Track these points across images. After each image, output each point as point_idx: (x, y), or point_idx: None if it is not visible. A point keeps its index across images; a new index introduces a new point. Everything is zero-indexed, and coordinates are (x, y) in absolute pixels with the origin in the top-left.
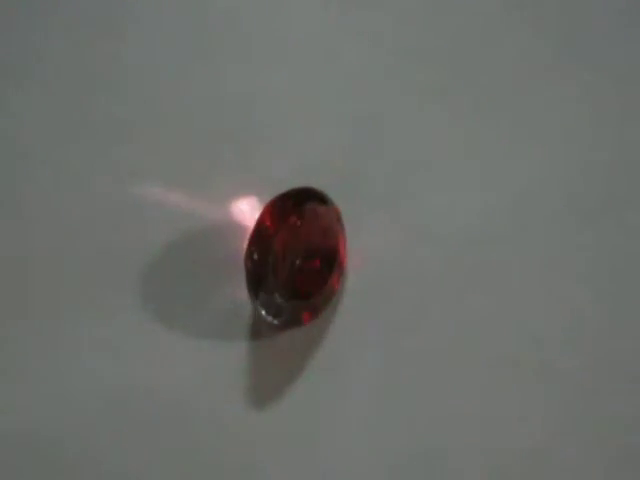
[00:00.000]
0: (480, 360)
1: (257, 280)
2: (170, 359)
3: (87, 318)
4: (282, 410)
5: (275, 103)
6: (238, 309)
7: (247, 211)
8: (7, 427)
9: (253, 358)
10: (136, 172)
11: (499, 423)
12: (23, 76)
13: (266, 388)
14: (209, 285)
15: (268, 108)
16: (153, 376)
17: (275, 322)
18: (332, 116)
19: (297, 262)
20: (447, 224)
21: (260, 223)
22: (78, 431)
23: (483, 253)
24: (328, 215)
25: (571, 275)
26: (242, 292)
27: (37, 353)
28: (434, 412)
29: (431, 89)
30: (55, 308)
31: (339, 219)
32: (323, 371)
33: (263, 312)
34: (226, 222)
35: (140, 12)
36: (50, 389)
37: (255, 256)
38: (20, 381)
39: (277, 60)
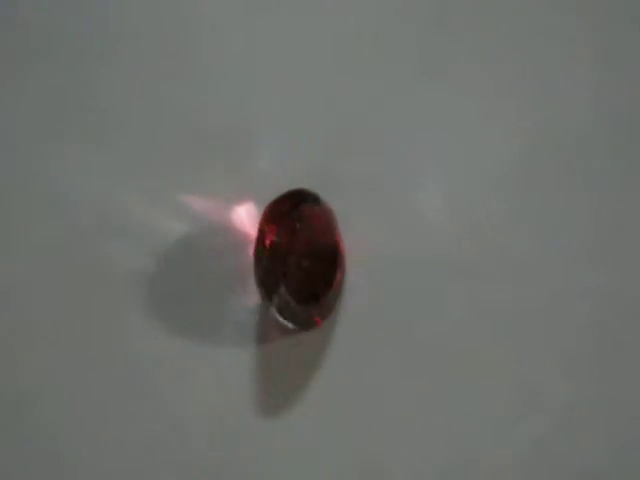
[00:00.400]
0: (483, 347)
1: (270, 287)
2: (179, 366)
3: (93, 325)
4: (295, 415)
5: (253, 109)
6: (246, 315)
7: (245, 217)
8: None
9: (265, 363)
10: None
11: (506, 418)
12: (10, 90)
13: (279, 393)
14: (216, 293)
15: (247, 114)
16: (164, 385)
17: (292, 326)
18: (311, 118)
19: (303, 264)
20: (437, 212)
21: (261, 230)
22: (81, 438)
23: (476, 237)
24: (324, 214)
25: (569, 262)
26: (249, 298)
27: (49, 367)
28: (445, 406)
29: (414, 84)
30: (62, 320)
31: (334, 217)
32: (336, 372)
33: (280, 318)
34: (225, 229)
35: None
36: (65, 393)
37: (264, 263)
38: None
39: (259, 66)
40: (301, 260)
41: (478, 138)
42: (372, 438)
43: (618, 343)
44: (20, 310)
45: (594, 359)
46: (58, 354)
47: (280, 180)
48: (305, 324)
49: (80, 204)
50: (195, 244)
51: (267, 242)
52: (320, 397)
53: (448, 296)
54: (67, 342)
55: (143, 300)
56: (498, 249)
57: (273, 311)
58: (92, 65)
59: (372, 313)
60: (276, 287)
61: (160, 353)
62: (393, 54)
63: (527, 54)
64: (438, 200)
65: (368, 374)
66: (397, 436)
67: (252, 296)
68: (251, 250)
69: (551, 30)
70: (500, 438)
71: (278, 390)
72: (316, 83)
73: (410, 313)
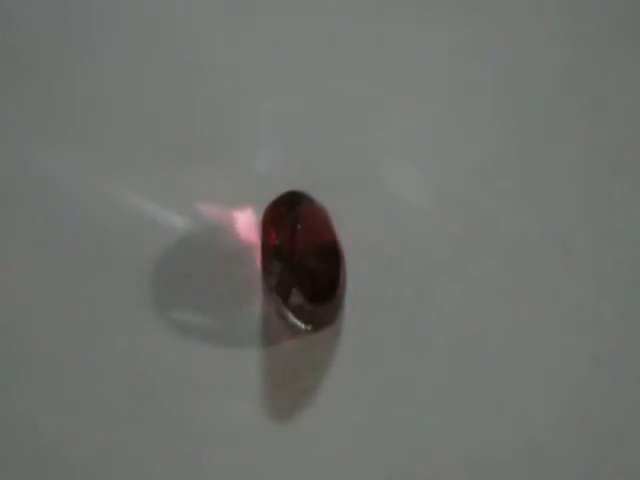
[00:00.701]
0: (484, 347)
1: (283, 290)
2: (184, 368)
3: (94, 327)
4: (303, 418)
5: (251, 109)
6: (253, 317)
7: (243, 218)
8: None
9: (272, 365)
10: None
11: (508, 418)
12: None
13: (287, 396)
14: (220, 294)
15: (244, 113)
16: (170, 387)
17: (306, 327)
18: (309, 118)
19: (307, 264)
20: (436, 211)
21: (264, 236)
22: (81, 438)
23: (475, 235)
24: (320, 214)
25: (570, 259)
26: (255, 300)
27: (49, 367)
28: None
29: (413, 83)
30: (62, 321)
31: (329, 216)
32: (340, 373)
33: (298, 322)
34: (225, 231)
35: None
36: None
37: (271, 267)
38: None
39: (258, 65)
40: (306, 260)
41: (476, 136)
42: (378, 439)
43: (619, 341)
44: (20, 309)
45: (594, 358)
46: (58, 354)
47: (272, 181)
48: (318, 325)
49: (78, 206)
50: (195, 243)
51: (271, 245)
52: (327, 398)
53: (448, 295)
54: (67, 342)
55: (146, 301)
56: (497, 247)
57: (289, 314)
58: (89, 63)
59: (374, 313)
60: (289, 290)
61: (164, 355)
62: (392, 54)
63: (527, 53)
64: (437, 199)
65: (373, 375)
66: (404, 437)
67: (258, 298)
68: (253, 251)
69: (549, 29)
70: (501, 438)
71: (287, 392)
72: (315, 83)
73: (411, 313)
